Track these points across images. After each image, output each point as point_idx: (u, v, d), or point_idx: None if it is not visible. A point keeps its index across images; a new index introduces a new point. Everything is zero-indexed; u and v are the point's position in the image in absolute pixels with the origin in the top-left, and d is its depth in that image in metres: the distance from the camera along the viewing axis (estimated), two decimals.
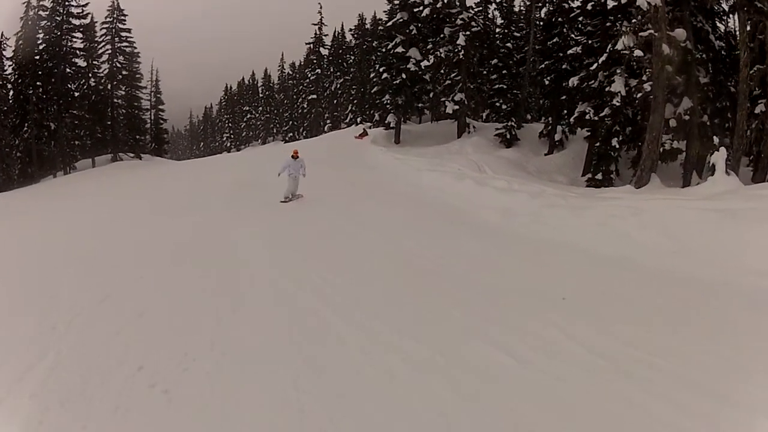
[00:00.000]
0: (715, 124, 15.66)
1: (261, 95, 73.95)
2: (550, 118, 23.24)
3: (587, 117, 19.06)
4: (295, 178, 12.91)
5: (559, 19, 21.29)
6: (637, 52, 13.64)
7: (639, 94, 13.74)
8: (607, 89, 17.20)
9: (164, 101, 42.54)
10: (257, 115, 73.02)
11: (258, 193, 13.92)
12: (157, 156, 38.76)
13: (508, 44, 27.89)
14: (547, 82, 22.65)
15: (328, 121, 54.07)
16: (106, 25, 35.10)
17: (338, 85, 55.78)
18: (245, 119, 73.90)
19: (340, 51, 56.59)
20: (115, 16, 35.08)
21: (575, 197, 10.49)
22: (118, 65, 35.15)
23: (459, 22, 22.63)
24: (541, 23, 23.41)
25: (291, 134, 61.21)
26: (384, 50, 26.36)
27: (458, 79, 24.11)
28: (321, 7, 49.27)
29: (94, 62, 34.11)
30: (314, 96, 57.53)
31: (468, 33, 22.44)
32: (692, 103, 14.62)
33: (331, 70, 55.64)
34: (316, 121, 57.90)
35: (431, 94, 25.55)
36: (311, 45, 53.83)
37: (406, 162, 18.47)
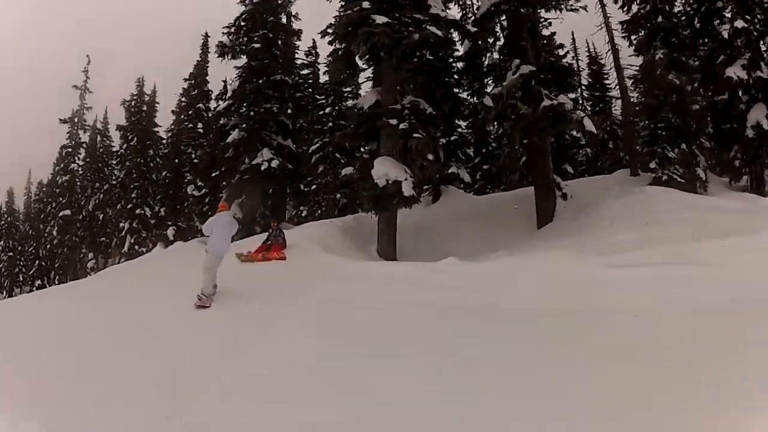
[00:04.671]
0: None
1: (2, 223, 48.16)
2: None
3: None
4: (220, 257, 7.36)
5: None
6: None
7: None
8: None
9: None
10: None
11: None
12: None
13: None
14: None
15: (90, 256, 31.09)
16: None
17: (98, 200, 33.56)
18: None
19: (101, 150, 35.62)
20: None
21: None
22: None
23: None
24: None
25: (39, 281, 37.85)
26: None
27: None
28: (89, 61, 27.81)
29: None
30: (68, 211, 34.03)
31: None
32: None
33: (88, 178, 34.98)
34: (72, 257, 35.21)
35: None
36: (70, 123, 31.66)
37: None
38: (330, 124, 22.63)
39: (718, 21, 13.39)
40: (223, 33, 16.39)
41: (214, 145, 14.80)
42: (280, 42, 16.65)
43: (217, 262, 7.39)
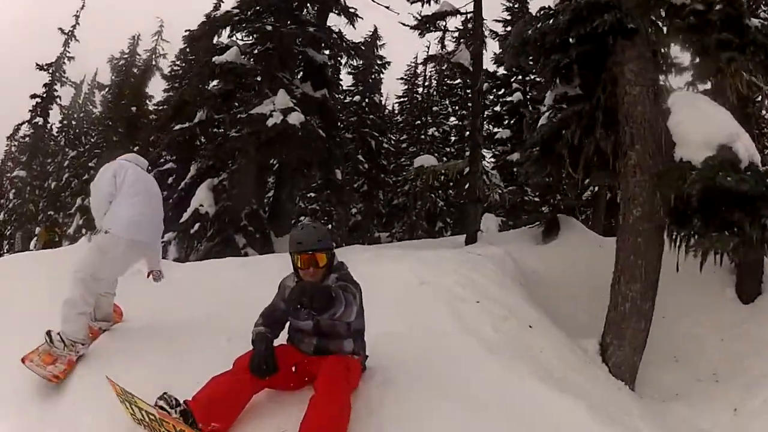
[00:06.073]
0: None
1: None
2: None
3: None
4: (139, 247, 2.88)
5: None
6: None
7: None
8: None
9: None
10: None
11: None
12: None
13: None
14: None
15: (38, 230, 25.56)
16: None
17: (62, 167, 27.49)
18: None
19: (82, 115, 30.34)
20: None
21: None
22: None
23: None
24: None
25: None
26: None
27: None
28: (83, 5, 21.54)
29: None
30: (23, 173, 28.01)
31: None
32: None
33: (62, 143, 29.69)
34: (23, 227, 27.84)
35: None
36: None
37: None
38: (354, 117, 16.95)
39: None
40: None
41: (192, 81, 8.40)
42: None
43: (123, 261, 2.86)
